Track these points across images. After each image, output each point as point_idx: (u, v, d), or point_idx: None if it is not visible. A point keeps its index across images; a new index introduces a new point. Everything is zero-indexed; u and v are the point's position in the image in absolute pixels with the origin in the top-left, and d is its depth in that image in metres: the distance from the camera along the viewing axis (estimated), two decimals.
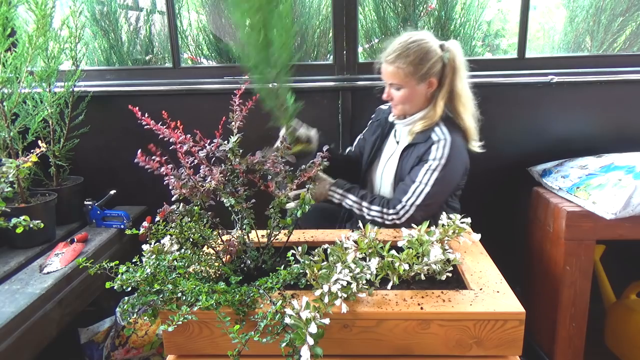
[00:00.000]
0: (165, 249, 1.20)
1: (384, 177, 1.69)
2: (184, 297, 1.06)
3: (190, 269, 1.17)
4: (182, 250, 1.20)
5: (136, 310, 1.07)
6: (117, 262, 1.10)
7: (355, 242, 1.18)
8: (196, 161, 1.19)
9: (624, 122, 2.02)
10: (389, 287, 1.13)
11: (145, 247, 1.20)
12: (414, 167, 1.56)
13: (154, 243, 1.20)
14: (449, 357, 1.08)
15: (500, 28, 2.65)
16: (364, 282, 1.08)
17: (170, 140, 1.15)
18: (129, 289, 1.07)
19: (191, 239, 1.21)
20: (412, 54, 1.51)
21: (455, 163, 1.53)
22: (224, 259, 1.27)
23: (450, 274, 1.17)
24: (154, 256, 1.15)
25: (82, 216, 1.95)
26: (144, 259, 1.13)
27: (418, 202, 1.52)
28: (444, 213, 1.24)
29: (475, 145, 1.60)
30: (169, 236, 1.21)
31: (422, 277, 1.15)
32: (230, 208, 1.24)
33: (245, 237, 1.28)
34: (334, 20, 2.02)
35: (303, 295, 1.04)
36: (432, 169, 1.52)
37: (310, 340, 0.91)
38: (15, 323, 1.29)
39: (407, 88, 1.55)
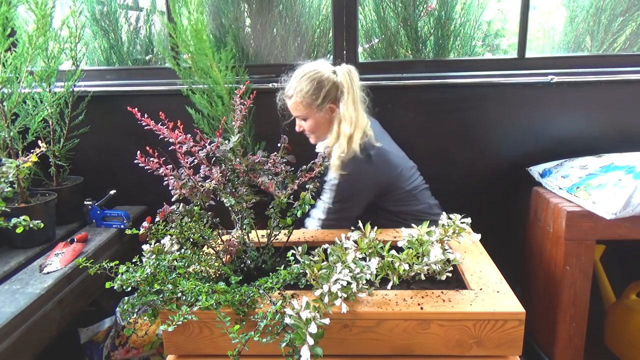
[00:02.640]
0: (166, 249, 1.20)
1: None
2: (184, 297, 1.06)
3: (190, 269, 1.17)
4: (182, 250, 1.20)
5: (136, 310, 1.07)
6: (117, 262, 1.10)
7: (355, 242, 1.18)
8: (196, 161, 1.19)
9: (624, 122, 2.02)
10: (389, 287, 1.13)
11: (145, 247, 1.20)
12: None
13: (154, 243, 1.20)
14: (449, 357, 1.08)
15: (500, 28, 2.65)
16: (364, 282, 1.08)
17: (170, 141, 1.15)
18: (129, 289, 1.07)
19: (191, 239, 1.21)
20: (306, 86, 1.60)
21: (351, 179, 1.57)
22: (224, 259, 1.27)
23: (450, 274, 1.17)
24: (154, 256, 1.15)
25: (82, 216, 1.95)
26: (144, 259, 1.13)
27: (323, 216, 1.66)
28: (444, 213, 1.24)
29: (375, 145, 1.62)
30: (169, 236, 1.21)
31: (422, 277, 1.15)
32: (230, 208, 1.24)
33: (245, 237, 1.28)
34: (334, 20, 2.02)
35: (303, 295, 1.04)
36: (328, 188, 1.63)
37: (310, 340, 0.91)
38: (15, 323, 1.29)
39: (311, 118, 1.65)
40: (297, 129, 1.72)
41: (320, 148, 1.69)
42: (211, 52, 1.86)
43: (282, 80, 1.71)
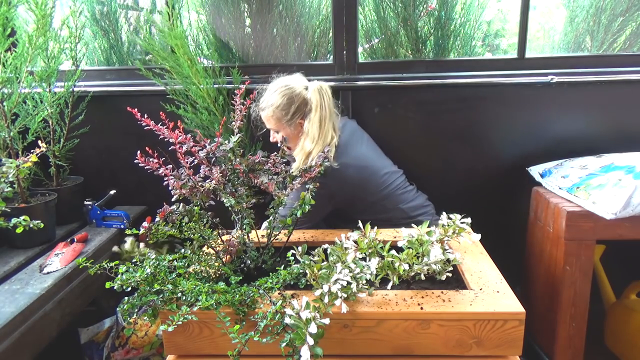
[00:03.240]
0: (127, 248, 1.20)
1: None
2: (184, 297, 1.06)
3: (190, 269, 1.17)
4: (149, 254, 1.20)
5: (136, 310, 1.07)
6: (117, 262, 1.10)
7: (355, 242, 1.18)
8: (196, 161, 1.19)
9: (624, 122, 2.02)
10: (389, 287, 1.13)
11: (114, 248, 1.19)
12: None
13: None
14: (449, 357, 1.08)
15: (500, 28, 2.65)
16: (364, 282, 1.08)
17: (170, 141, 1.15)
18: (129, 289, 1.07)
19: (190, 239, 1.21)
20: (277, 101, 1.64)
21: (302, 191, 1.56)
22: (224, 259, 1.27)
23: (450, 274, 1.17)
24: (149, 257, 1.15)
25: (82, 216, 1.95)
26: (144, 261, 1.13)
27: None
28: (443, 213, 1.24)
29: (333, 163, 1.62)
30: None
31: (422, 277, 1.15)
32: (230, 208, 1.24)
33: (245, 237, 1.28)
34: (334, 20, 2.02)
35: (303, 295, 1.04)
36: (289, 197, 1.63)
37: (310, 340, 0.91)
38: (15, 323, 1.28)
39: (282, 131, 1.69)
40: (271, 139, 1.75)
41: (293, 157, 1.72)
42: (187, 66, 1.84)
43: (257, 93, 1.72)
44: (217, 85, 1.94)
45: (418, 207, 1.77)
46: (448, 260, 1.16)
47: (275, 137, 1.73)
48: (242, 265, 1.25)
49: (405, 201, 1.75)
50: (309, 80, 1.71)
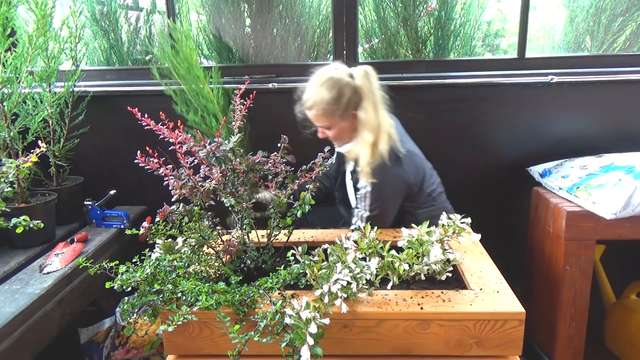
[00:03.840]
0: (177, 247, 1.20)
1: (349, 195, 1.75)
2: (184, 297, 1.06)
3: (190, 269, 1.17)
4: (184, 250, 1.20)
5: (136, 310, 1.07)
6: (117, 262, 1.10)
7: (355, 242, 1.18)
8: (196, 161, 1.19)
9: (624, 122, 2.02)
10: (389, 287, 1.13)
11: (159, 241, 1.20)
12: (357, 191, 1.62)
13: (165, 239, 1.20)
14: (449, 357, 1.08)
15: (500, 28, 2.65)
16: (364, 282, 1.08)
17: (170, 141, 1.15)
18: (129, 289, 1.07)
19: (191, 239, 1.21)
20: (325, 96, 1.51)
21: (383, 185, 1.53)
22: (224, 259, 1.27)
23: (450, 274, 1.17)
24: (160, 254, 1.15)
25: (82, 216, 1.95)
26: (152, 255, 1.14)
27: (363, 224, 1.58)
28: (444, 213, 1.24)
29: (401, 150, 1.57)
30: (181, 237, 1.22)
31: (422, 277, 1.15)
32: (230, 208, 1.24)
33: (245, 237, 1.28)
34: (334, 20, 2.02)
35: (303, 295, 1.04)
36: (362, 196, 1.58)
37: (310, 340, 0.91)
38: (15, 323, 1.28)
39: (334, 127, 1.58)
40: (320, 135, 1.65)
41: (344, 150, 1.65)
42: (202, 74, 1.83)
43: (299, 92, 1.62)
44: (227, 86, 1.93)
45: (452, 208, 1.75)
46: (448, 260, 1.16)
47: (324, 132, 1.62)
48: (242, 265, 1.25)
49: (446, 201, 1.74)
50: (349, 67, 1.60)
